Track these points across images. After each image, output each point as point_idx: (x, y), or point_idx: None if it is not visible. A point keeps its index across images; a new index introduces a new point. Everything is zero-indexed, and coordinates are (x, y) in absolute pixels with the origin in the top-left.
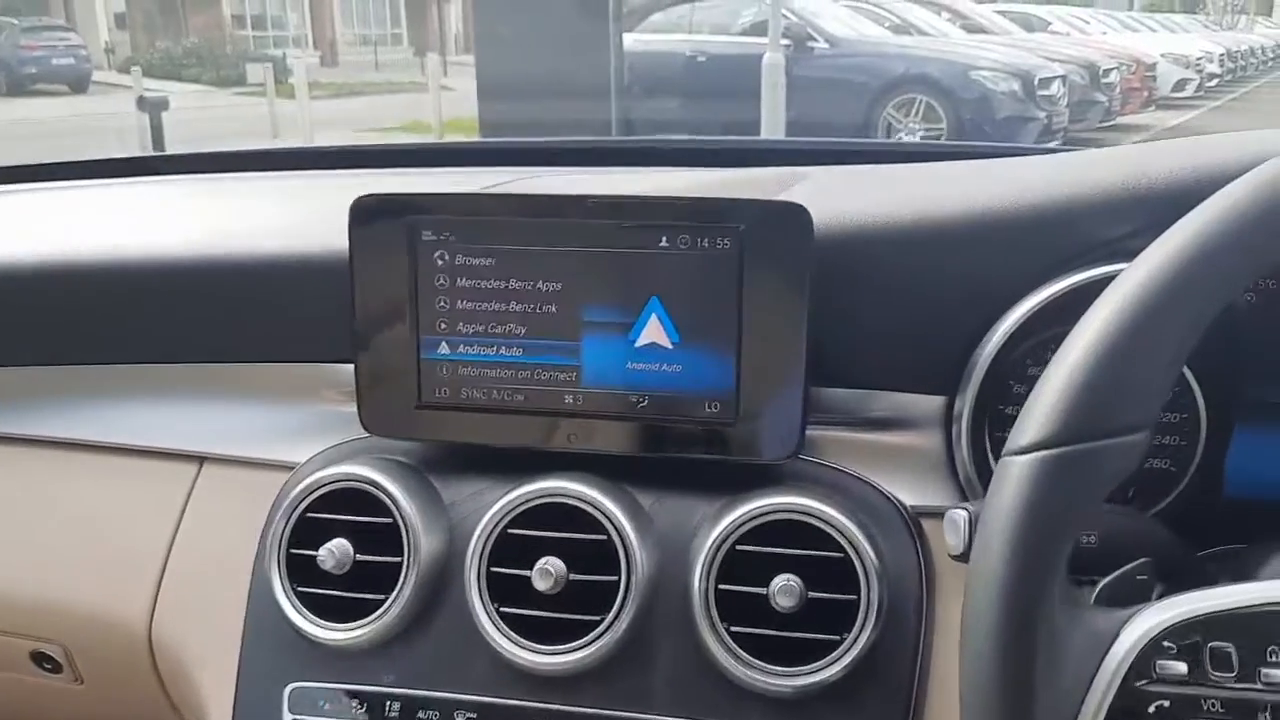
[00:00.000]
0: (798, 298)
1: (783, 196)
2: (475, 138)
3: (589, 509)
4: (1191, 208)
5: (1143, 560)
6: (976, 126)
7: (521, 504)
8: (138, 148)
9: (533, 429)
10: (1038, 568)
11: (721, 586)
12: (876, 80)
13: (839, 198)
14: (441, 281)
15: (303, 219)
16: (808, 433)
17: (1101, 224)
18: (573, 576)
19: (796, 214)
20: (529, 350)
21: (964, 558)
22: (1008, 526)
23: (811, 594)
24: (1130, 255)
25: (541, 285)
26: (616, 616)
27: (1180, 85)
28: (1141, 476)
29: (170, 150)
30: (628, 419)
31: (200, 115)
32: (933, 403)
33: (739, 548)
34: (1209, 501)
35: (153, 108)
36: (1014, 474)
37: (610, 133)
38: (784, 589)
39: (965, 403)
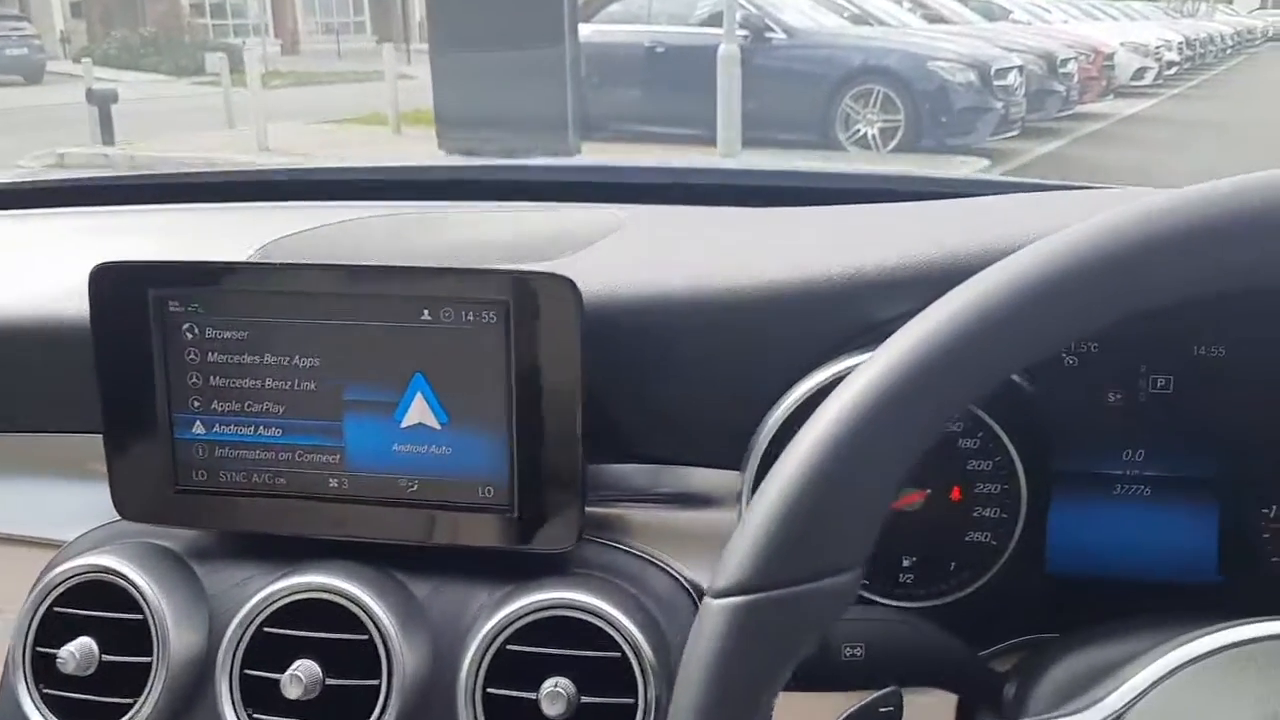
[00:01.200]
0: (570, 374)
1: (564, 261)
2: (319, 165)
3: (350, 606)
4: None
5: (888, 690)
6: (934, 117)
7: (278, 600)
8: (88, 139)
9: (296, 515)
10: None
11: (490, 690)
12: (834, 71)
13: (631, 259)
14: (192, 356)
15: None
16: (600, 510)
17: (876, 305)
18: (330, 681)
19: (564, 287)
20: (288, 430)
21: None
22: (701, 678)
23: (584, 698)
24: None
25: (299, 361)
26: None
27: (1139, 74)
28: (963, 550)
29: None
30: (396, 504)
31: (154, 106)
32: (729, 478)
33: (510, 647)
34: (1031, 578)
35: (101, 100)
36: (709, 619)
37: (566, 124)
38: (551, 695)
39: (745, 481)
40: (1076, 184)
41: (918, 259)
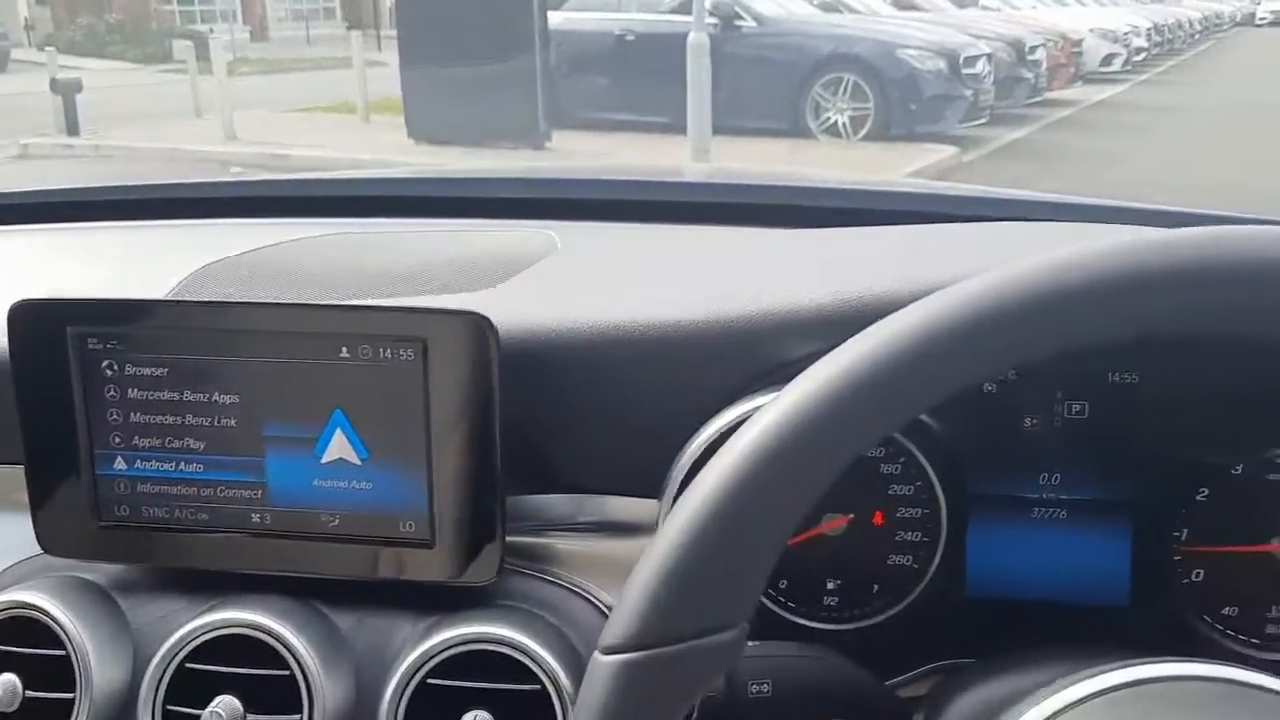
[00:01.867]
0: (487, 409)
1: (491, 292)
2: (272, 177)
3: (271, 641)
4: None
5: None
6: (903, 105)
7: (200, 636)
8: (52, 129)
9: (219, 550)
10: None
11: None
12: (804, 60)
13: (558, 288)
14: (112, 393)
15: None
16: (526, 540)
17: (786, 345)
18: (251, 716)
19: (479, 325)
20: (210, 467)
21: None
22: None
23: None
24: None
25: (219, 398)
26: None
27: (1107, 60)
28: (885, 573)
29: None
30: (318, 539)
31: (120, 95)
32: (650, 506)
33: (430, 681)
34: (952, 600)
35: (65, 89)
36: (596, 675)
37: (536, 113)
38: None
39: (663, 512)
40: (1039, 198)
41: (822, 301)
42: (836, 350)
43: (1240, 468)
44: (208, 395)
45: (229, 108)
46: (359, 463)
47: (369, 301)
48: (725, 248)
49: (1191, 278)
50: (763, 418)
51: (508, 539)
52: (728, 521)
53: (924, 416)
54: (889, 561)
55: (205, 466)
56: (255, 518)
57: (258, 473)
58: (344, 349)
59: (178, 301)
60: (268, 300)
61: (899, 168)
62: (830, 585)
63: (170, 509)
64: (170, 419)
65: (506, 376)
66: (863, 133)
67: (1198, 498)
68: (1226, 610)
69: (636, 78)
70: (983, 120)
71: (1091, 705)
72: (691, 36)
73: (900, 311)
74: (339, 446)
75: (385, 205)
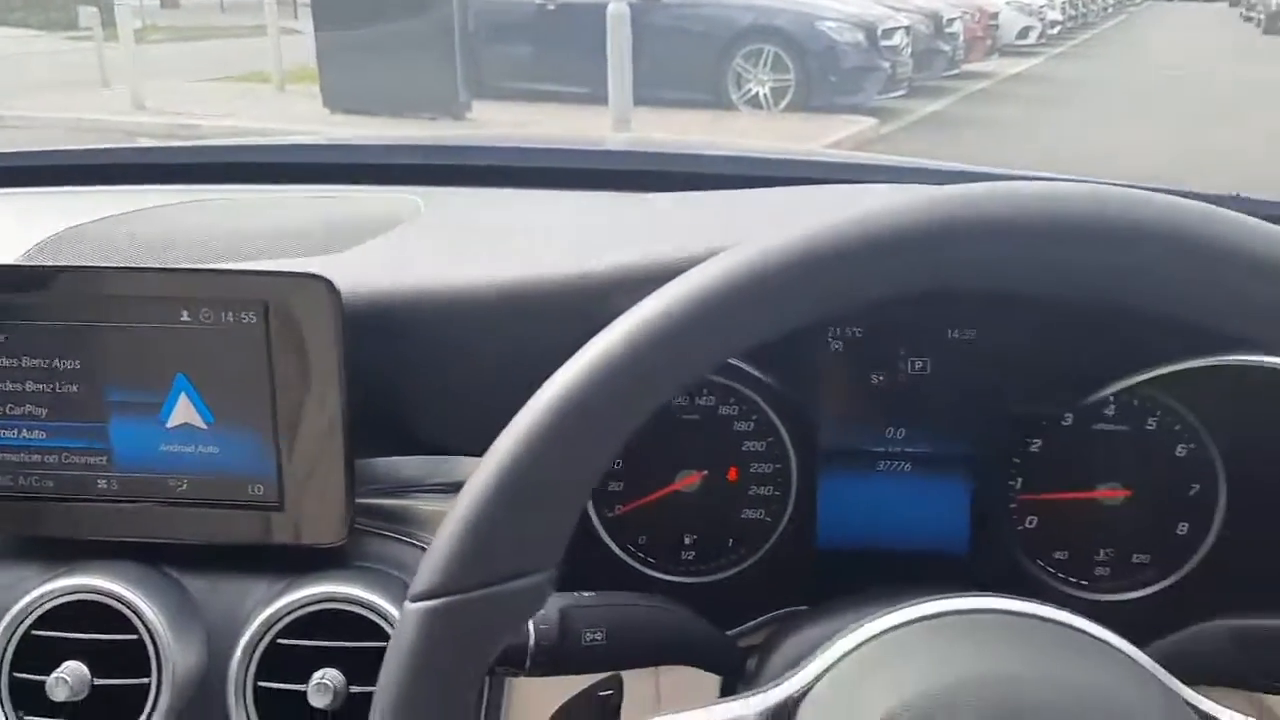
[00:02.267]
0: (331, 372)
1: (347, 254)
2: (140, 145)
3: (118, 606)
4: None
5: (608, 675)
6: (823, 77)
7: (46, 603)
8: None
9: (65, 517)
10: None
11: (261, 684)
12: (725, 31)
13: (413, 251)
14: None
15: None
16: (384, 502)
17: (623, 305)
18: (98, 682)
19: (321, 287)
20: (53, 434)
21: None
22: (394, 680)
23: (354, 689)
24: None
25: (59, 364)
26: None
27: (1023, 33)
28: (740, 527)
29: None
30: (167, 504)
31: (24, 63)
32: None
33: (281, 641)
34: (804, 552)
35: None
36: (404, 622)
37: (455, 82)
38: (318, 687)
39: None
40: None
41: (659, 259)
42: (635, 306)
43: (1070, 419)
44: (48, 361)
45: (137, 77)
46: (204, 427)
47: (218, 266)
48: (590, 212)
49: (943, 235)
50: (560, 374)
51: (362, 501)
52: (527, 472)
53: (771, 375)
54: (743, 515)
55: (48, 434)
56: (101, 484)
57: (102, 439)
58: (185, 313)
59: (15, 267)
60: (105, 265)
61: (819, 138)
62: (687, 540)
63: (14, 477)
64: (10, 385)
65: (355, 338)
66: (783, 104)
67: (1031, 449)
68: (1058, 554)
69: (558, 48)
70: (901, 92)
71: (894, 634)
72: (611, 6)
73: (695, 268)
74: (184, 411)
75: (253, 171)
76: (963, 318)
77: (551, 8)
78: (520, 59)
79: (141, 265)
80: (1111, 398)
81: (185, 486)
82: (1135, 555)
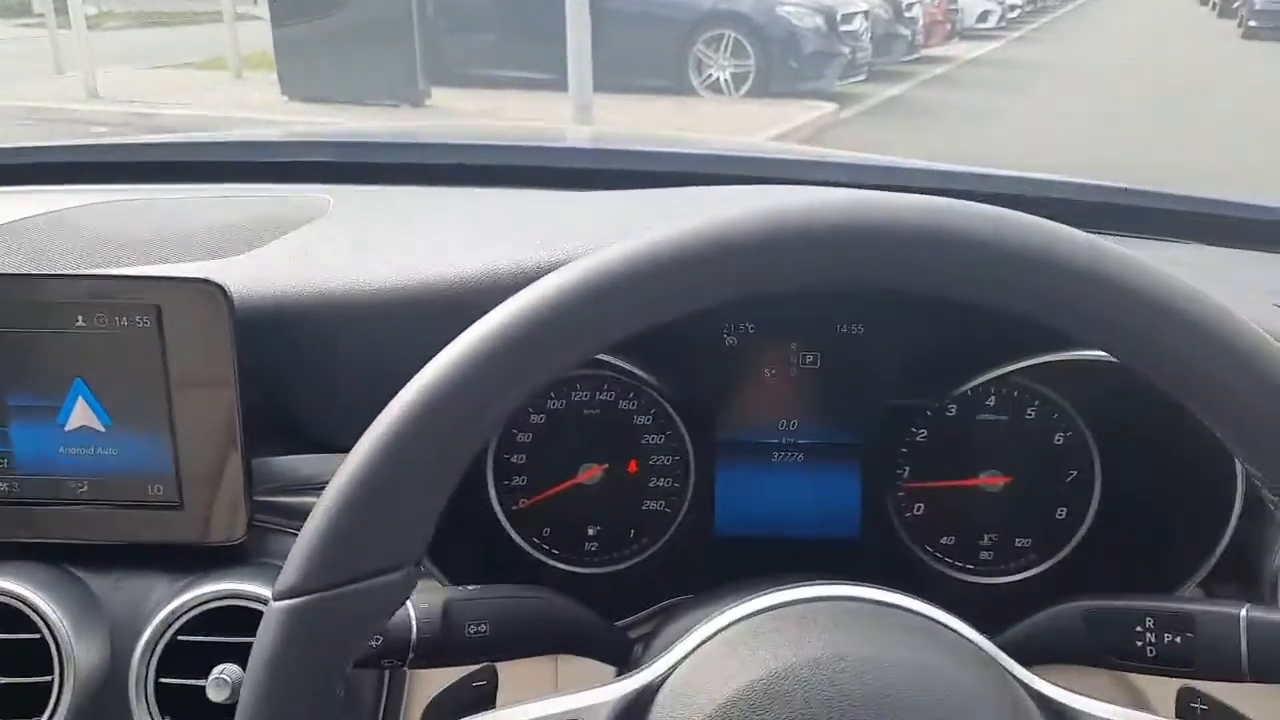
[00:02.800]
0: (225, 373)
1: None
2: (54, 143)
3: (19, 606)
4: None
5: (484, 666)
6: (783, 62)
7: None
8: None
9: None
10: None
11: (163, 680)
12: (686, 16)
13: (316, 252)
14: None
15: None
16: (287, 500)
17: (479, 305)
18: (1, 680)
19: (213, 292)
20: None
21: None
22: (256, 678)
23: None
24: None
25: None
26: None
27: (983, 17)
28: (641, 518)
29: None
30: (68, 505)
31: None
32: None
33: (182, 638)
34: (703, 541)
35: None
36: (266, 620)
37: (414, 70)
38: (217, 682)
39: None
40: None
41: (514, 262)
42: (492, 310)
43: (954, 409)
44: None
45: (91, 64)
46: (103, 429)
47: (112, 271)
48: (501, 209)
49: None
50: (415, 379)
51: (262, 498)
52: (381, 472)
53: (667, 370)
54: (644, 506)
55: None
56: (3, 486)
57: (3, 442)
58: (80, 318)
59: None
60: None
61: (780, 124)
62: (591, 531)
63: None
64: None
65: (250, 339)
66: (744, 89)
67: (918, 438)
68: (945, 540)
69: (519, 34)
70: (861, 77)
71: (746, 623)
72: None
73: (553, 273)
74: (82, 414)
75: (167, 171)
76: (852, 313)
77: None
78: (481, 45)
79: (39, 271)
80: (992, 389)
81: (86, 488)
82: (1018, 539)
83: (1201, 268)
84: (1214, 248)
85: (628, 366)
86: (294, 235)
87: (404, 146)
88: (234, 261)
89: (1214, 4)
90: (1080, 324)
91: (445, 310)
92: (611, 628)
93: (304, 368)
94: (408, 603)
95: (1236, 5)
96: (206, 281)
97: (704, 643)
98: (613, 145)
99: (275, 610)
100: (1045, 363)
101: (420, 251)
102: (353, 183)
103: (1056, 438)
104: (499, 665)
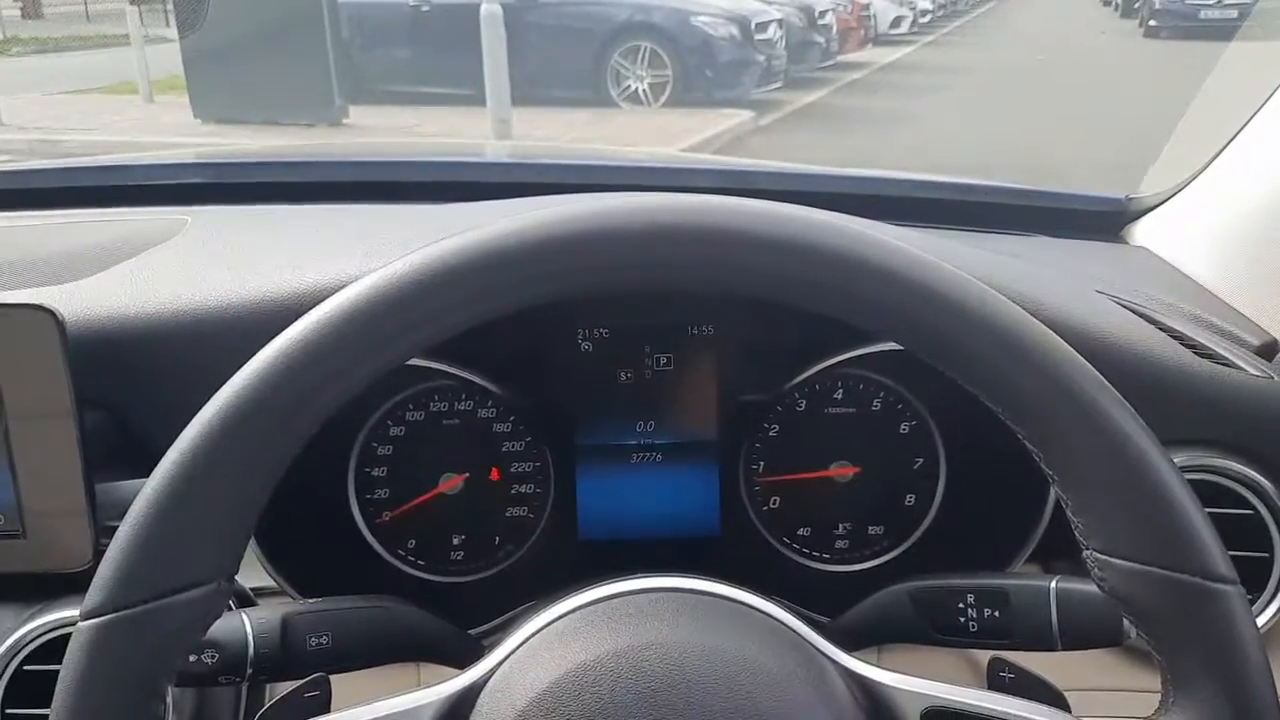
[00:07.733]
0: (61, 399)
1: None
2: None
3: None
4: None
5: (315, 676)
6: (700, 72)
7: None
8: None
9: None
10: None
11: (10, 711)
12: (602, 28)
13: (165, 272)
14: None
15: None
16: None
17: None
18: None
19: (45, 318)
20: None
21: None
22: (62, 702)
23: None
24: None
25: None
26: None
27: (896, 22)
28: (504, 525)
29: None
30: None
31: None
32: None
33: (28, 667)
34: (567, 545)
35: None
36: (74, 641)
37: (330, 88)
38: None
39: None
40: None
41: (328, 277)
42: (301, 318)
43: (803, 404)
44: None
45: None
46: None
47: None
48: (366, 224)
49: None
50: (222, 391)
51: (112, 524)
52: (184, 487)
53: (523, 376)
54: (507, 514)
55: None
56: None
57: None
58: None
59: None
60: None
61: (699, 133)
62: (456, 541)
63: None
64: None
65: (89, 362)
66: (663, 99)
67: (770, 433)
68: (801, 531)
69: (436, 49)
70: (777, 85)
71: (565, 620)
72: (485, 7)
73: (364, 279)
74: None
75: (24, 198)
76: (702, 314)
77: (426, 9)
78: (398, 62)
79: None
80: (839, 382)
81: None
82: (870, 527)
83: (1033, 257)
84: (1050, 238)
85: (471, 377)
86: (143, 257)
87: (267, 165)
88: (76, 286)
89: (1116, 4)
90: (845, 311)
91: (287, 323)
92: (460, 633)
93: (145, 388)
94: (244, 617)
95: (1138, 5)
96: (37, 307)
97: (525, 640)
98: (488, 159)
99: (80, 630)
100: (883, 353)
101: (270, 266)
102: (217, 203)
103: (902, 427)
104: (355, 673)
